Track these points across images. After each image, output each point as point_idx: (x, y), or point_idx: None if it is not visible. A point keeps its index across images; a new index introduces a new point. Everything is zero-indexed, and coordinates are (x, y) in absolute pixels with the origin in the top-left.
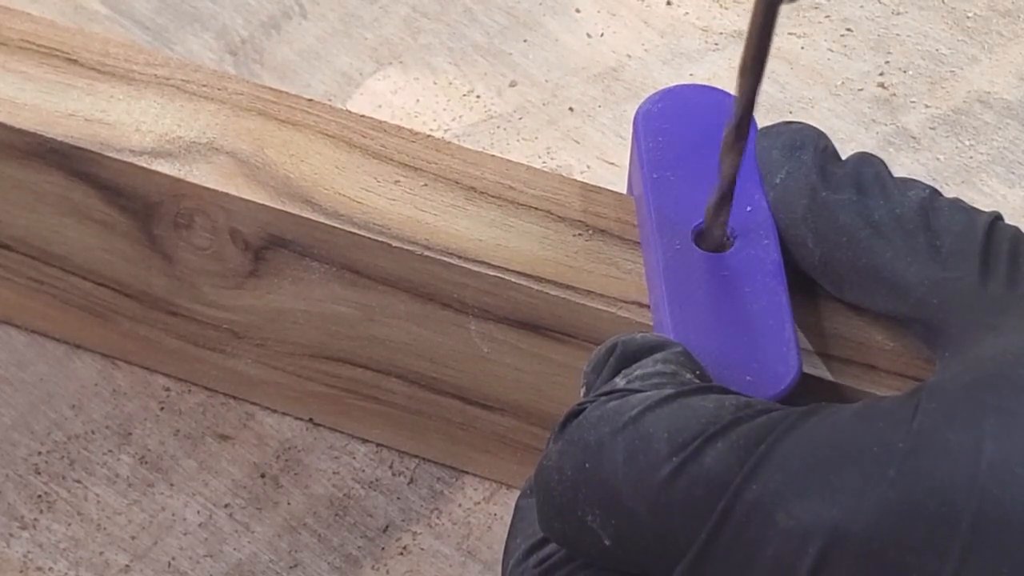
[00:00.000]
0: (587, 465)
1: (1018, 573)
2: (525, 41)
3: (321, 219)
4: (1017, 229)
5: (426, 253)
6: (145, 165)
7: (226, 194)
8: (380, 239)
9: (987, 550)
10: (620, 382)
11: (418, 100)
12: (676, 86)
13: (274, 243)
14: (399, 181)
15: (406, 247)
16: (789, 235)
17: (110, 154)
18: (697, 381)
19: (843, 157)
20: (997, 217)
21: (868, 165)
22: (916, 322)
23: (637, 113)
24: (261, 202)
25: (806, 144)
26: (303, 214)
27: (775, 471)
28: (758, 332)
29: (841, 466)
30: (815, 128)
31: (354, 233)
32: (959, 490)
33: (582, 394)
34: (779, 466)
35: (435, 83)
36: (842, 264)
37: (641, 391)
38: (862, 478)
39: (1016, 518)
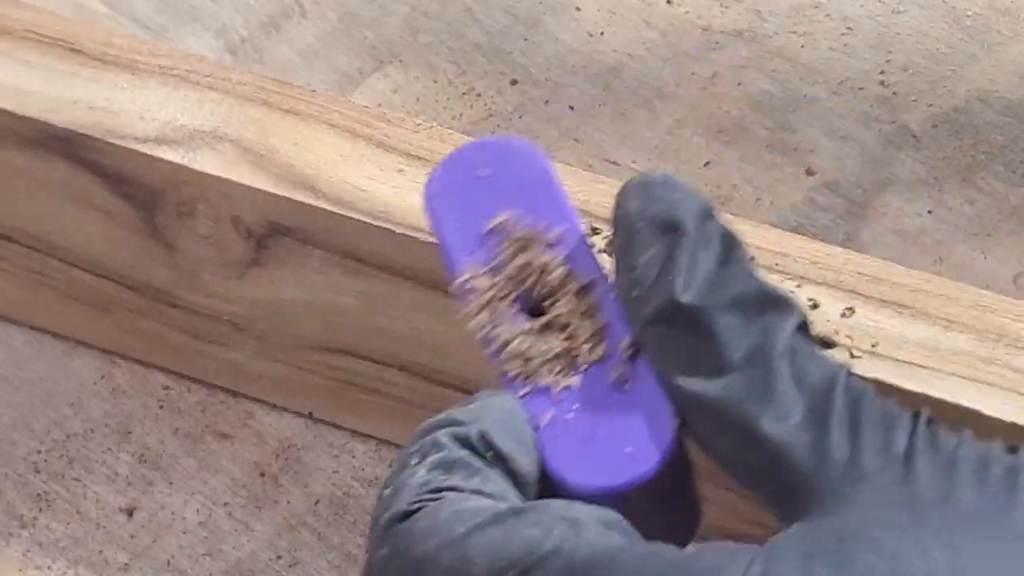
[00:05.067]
0: None
1: None
2: (525, 40)
3: (324, 206)
4: (863, 389)
5: (430, 240)
6: (149, 152)
7: (229, 180)
8: (383, 226)
9: None
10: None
11: (418, 99)
12: (453, 152)
13: (276, 231)
14: (402, 170)
15: (409, 234)
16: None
17: (114, 141)
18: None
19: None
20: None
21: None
22: (764, 480)
23: (425, 195)
24: (264, 188)
25: (682, 224)
26: (306, 201)
27: None
28: (636, 402)
29: None
30: (701, 200)
31: (357, 220)
32: None
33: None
34: None
35: (435, 82)
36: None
37: (460, 490)
38: None
39: None
